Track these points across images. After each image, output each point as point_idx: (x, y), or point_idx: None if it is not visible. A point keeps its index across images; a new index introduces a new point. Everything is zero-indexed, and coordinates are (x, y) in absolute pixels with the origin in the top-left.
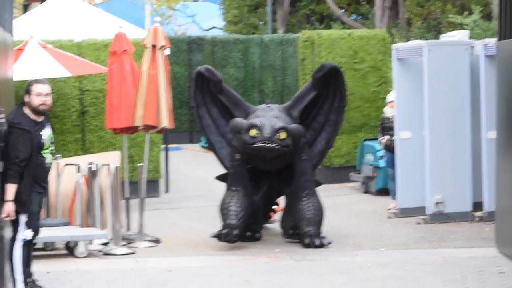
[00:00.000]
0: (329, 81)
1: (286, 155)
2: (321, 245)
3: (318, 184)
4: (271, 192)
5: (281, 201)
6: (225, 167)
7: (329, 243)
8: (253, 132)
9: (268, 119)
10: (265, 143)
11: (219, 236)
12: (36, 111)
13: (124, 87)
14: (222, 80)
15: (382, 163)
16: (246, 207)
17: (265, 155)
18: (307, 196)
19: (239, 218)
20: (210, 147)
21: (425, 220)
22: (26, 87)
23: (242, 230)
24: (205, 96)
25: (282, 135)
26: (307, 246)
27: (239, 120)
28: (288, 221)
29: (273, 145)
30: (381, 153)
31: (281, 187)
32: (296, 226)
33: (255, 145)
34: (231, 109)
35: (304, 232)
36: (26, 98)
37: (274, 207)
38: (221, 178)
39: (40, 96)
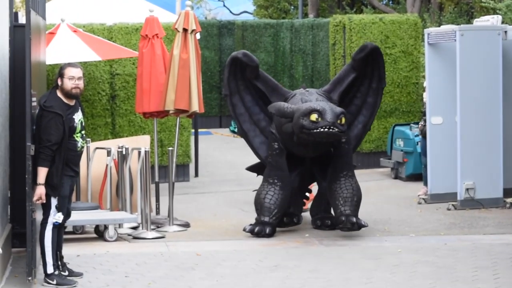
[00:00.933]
0: (368, 62)
1: (333, 141)
2: (358, 226)
3: (353, 167)
4: (305, 178)
5: (314, 188)
6: (259, 156)
7: (366, 225)
8: (313, 117)
9: (326, 103)
10: (327, 128)
11: (251, 232)
12: (68, 94)
13: (155, 71)
14: (259, 65)
15: (418, 148)
16: (281, 202)
17: (323, 141)
18: (345, 177)
19: (272, 215)
20: (243, 136)
21: (456, 206)
22: (59, 70)
23: (275, 227)
24: (238, 83)
25: (343, 120)
26: (343, 225)
27: (285, 104)
28: (317, 210)
29: (336, 130)
30: (418, 138)
31: (315, 173)
32: (324, 217)
33: (317, 131)
34: (268, 95)
35: (339, 211)
36: (59, 82)
37: (307, 194)
38: (252, 169)
39: (73, 79)
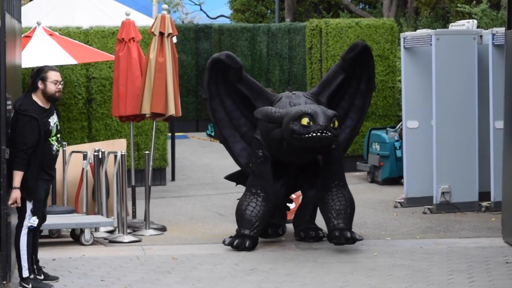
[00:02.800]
0: (356, 62)
1: (325, 147)
2: (352, 240)
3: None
4: (288, 187)
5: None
6: (239, 163)
7: (361, 239)
8: (305, 120)
9: (318, 106)
10: (320, 132)
11: (231, 244)
12: (51, 98)
13: (131, 74)
14: (242, 67)
15: (399, 153)
16: (264, 214)
17: (315, 146)
18: (337, 187)
19: (253, 227)
20: (223, 141)
21: (432, 209)
22: (37, 73)
23: (256, 240)
24: (219, 87)
25: (336, 123)
26: (337, 240)
27: (273, 109)
28: (301, 220)
29: (329, 134)
30: (400, 143)
31: (301, 181)
32: (308, 228)
33: (309, 135)
34: (252, 99)
35: (332, 225)
36: (40, 85)
37: (289, 205)
38: (231, 177)
39: (57, 83)
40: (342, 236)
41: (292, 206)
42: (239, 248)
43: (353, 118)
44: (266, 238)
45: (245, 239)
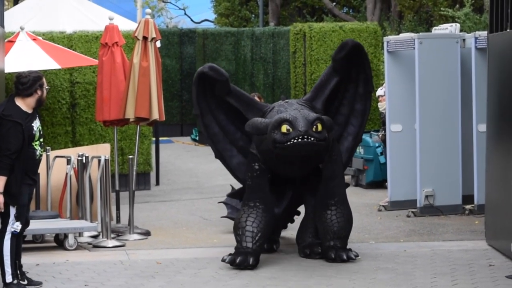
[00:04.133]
0: (351, 63)
1: (321, 153)
2: (348, 259)
3: (345, 186)
4: (294, 202)
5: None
6: (237, 178)
7: (357, 256)
8: (284, 128)
9: (298, 111)
10: (300, 138)
11: (232, 263)
12: (42, 103)
13: (115, 79)
14: (229, 79)
15: (382, 159)
16: (265, 225)
17: (300, 154)
18: (337, 204)
19: (256, 240)
20: (219, 157)
21: (416, 213)
22: (34, 80)
23: (259, 255)
24: (209, 101)
25: (319, 126)
26: (333, 260)
27: (259, 120)
28: (305, 236)
29: (312, 139)
30: (380, 149)
31: (305, 196)
32: (313, 244)
33: (289, 143)
34: (243, 111)
35: (329, 245)
36: (39, 92)
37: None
38: (234, 195)
39: (45, 88)
40: (338, 257)
41: None
42: (241, 266)
43: (355, 124)
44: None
45: (247, 256)
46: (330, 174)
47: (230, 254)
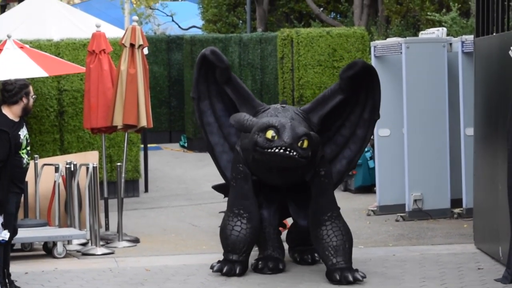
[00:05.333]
0: (361, 85)
1: (299, 169)
2: (355, 281)
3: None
4: (281, 211)
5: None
6: (224, 177)
7: (364, 277)
8: (269, 133)
9: (288, 120)
10: (283, 149)
11: (220, 271)
12: (29, 112)
13: (102, 86)
14: (230, 68)
15: (371, 163)
16: (251, 235)
17: (278, 165)
18: (331, 220)
19: (242, 252)
20: (209, 150)
21: (404, 217)
22: (20, 88)
23: (246, 264)
24: (210, 87)
25: (305, 143)
26: (338, 283)
27: (246, 116)
28: (296, 240)
29: (293, 153)
30: (370, 153)
31: (290, 209)
32: (303, 250)
33: (270, 150)
34: (238, 104)
35: (332, 264)
36: (25, 100)
37: (280, 228)
38: (219, 188)
39: (32, 96)
40: (344, 279)
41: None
42: (229, 274)
43: (352, 149)
44: (265, 274)
45: (234, 265)
46: (318, 190)
47: (218, 262)
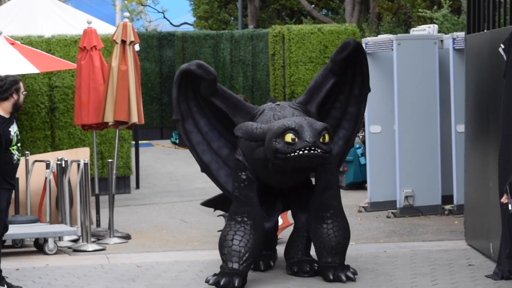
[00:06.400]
0: (348, 64)
1: (323, 165)
2: (347, 280)
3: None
4: (278, 213)
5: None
6: (227, 192)
7: (355, 274)
8: (289, 137)
9: (303, 118)
10: (308, 150)
11: (216, 284)
12: (19, 108)
13: (93, 83)
14: (217, 78)
15: (363, 160)
16: (254, 244)
17: (304, 166)
18: (333, 217)
19: (243, 261)
20: (205, 170)
21: (395, 213)
22: (11, 84)
23: (246, 276)
24: (190, 104)
25: (326, 137)
26: (331, 281)
27: (254, 125)
28: (294, 251)
29: (319, 151)
30: (361, 150)
31: (292, 206)
32: (302, 261)
33: (294, 154)
34: (230, 114)
35: (326, 262)
36: (15, 97)
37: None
38: (209, 204)
39: (22, 93)
40: (337, 278)
41: (280, 222)
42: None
43: (347, 127)
44: (257, 271)
45: (233, 277)
46: (325, 185)
47: (214, 275)
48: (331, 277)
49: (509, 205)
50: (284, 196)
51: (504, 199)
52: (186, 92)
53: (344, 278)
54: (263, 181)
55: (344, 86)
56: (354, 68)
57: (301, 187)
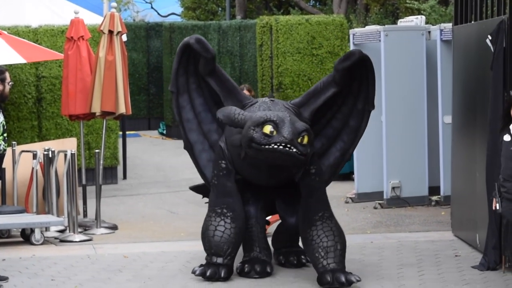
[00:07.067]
0: (355, 76)
1: (298, 167)
2: (348, 284)
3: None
4: (268, 207)
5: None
6: (204, 177)
7: (359, 280)
8: (267, 128)
9: (287, 114)
10: (283, 145)
11: (202, 275)
12: (6, 98)
13: (81, 73)
14: (215, 58)
15: None
16: (235, 237)
17: (275, 162)
18: (321, 219)
19: (226, 254)
20: (188, 148)
21: (382, 204)
22: None
23: (231, 267)
24: (189, 79)
25: (305, 139)
26: (329, 285)
27: (237, 110)
28: (281, 242)
29: (293, 150)
30: None
31: (277, 208)
32: (289, 252)
33: (268, 147)
34: (222, 98)
35: (322, 266)
36: (1, 86)
37: (268, 218)
38: (197, 189)
39: (9, 83)
40: (336, 280)
41: (268, 217)
42: (212, 279)
43: (345, 140)
44: (251, 278)
45: (219, 268)
46: (308, 190)
47: (201, 265)
48: (329, 279)
49: (497, 205)
50: (269, 198)
51: (494, 204)
52: (187, 66)
53: (343, 279)
54: (240, 175)
55: (348, 98)
56: (361, 82)
57: (287, 189)
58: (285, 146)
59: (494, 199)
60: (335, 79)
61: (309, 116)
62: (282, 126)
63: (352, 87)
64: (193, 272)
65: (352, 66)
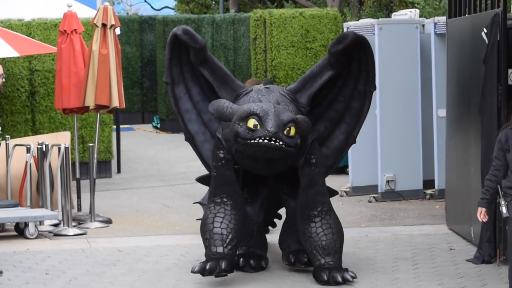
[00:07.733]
0: (352, 57)
1: (288, 159)
2: (344, 281)
3: (332, 193)
4: (271, 201)
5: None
6: (208, 167)
7: (354, 277)
8: (251, 122)
9: (272, 105)
10: (267, 139)
11: (202, 271)
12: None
13: (74, 67)
14: (206, 47)
15: None
16: (236, 225)
17: (264, 156)
18: (320, 215)
19: (227, 243)
20: (189, 140)
21: (377, 198)
22: None
23: (233, 260)
24: (183, 69)
25: (292, 130)
26: (326, 284)
27: (226, 103)
28: (289, 240)
29: (279, 143)
30: None
31: (280, 193)
32: (299, 251)
33: (253, 141)
34: (216, 87)
35: (319, 263)
36: None
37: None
38: (203, 180)
39: (1, 77)
40: (332, 279)
41: None
42: (212, 273)
43: (349, 123)
44: (247, 272)
45: (219, 261)
46: (308, 181)
47: (200, 262)
48: (326, 278)
49: (502, 208)
50: (268, 182)
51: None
52: (180, 56)
53: (339, 278)
54: (240, 165)
55: (349, 80)
56: (359, 63)
57: (289, 174)
58: (270, 140)
59: (499, 203)
60: (330, 62)
61: (306, 101)
62: (266, 119)
63: (351, 69)
64: (192, 270)
65: (345, 48)
